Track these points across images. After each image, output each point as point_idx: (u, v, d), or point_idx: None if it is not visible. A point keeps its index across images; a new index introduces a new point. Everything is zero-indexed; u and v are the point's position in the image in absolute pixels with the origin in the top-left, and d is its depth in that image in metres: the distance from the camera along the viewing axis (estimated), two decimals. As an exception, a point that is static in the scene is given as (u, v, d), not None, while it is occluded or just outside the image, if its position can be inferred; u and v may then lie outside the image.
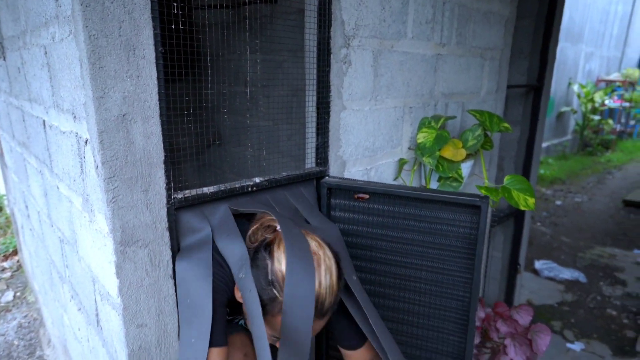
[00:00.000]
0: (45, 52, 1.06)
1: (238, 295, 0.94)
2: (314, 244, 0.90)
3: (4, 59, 1.68)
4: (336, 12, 1.20)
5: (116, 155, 0.84)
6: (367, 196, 1.20)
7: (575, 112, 8.87)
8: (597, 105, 8.86)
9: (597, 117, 9.05)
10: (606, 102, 9.18)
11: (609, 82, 9.58)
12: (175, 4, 0.91)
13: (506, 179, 1.45)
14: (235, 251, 0.95)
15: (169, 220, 0.94)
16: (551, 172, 7.18)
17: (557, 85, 8.04)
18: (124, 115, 0.83)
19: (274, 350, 0.87)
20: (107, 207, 0.85)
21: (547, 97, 2.61)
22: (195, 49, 1.12)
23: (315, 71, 1.21)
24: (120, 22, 0.80)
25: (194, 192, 0.98)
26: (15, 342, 2.18)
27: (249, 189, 1.08)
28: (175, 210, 0.95)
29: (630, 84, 9.76)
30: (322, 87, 1.21)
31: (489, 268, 2.88)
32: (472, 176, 1.92)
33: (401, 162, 1.54)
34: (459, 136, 1.62)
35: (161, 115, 0.89)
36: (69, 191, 1.13)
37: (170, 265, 0.96)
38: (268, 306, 0.86)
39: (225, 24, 1.72)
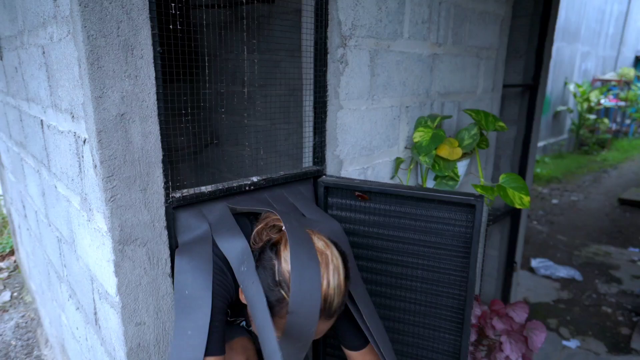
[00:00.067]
0: (43, 52, 1.06)
1: (242, 297, 0.92)
2: (321, 243, 0.89)
3: (1, 59, 1.68)
4: (333, 12, 1.21)
5: (115, 155, 0.84)
6: (367, 197, 1.21)
7: (571, 111, 8.92)
8: (593, 104, 8.91)
9: (593, 116, 9.10)
10: (602, 101, 9.23)
11: (605, 82, 9.63)
12: (173, 4, 0.92)
13: (501, 178, 1.46)
14: (235, 245, 0.93)
15: (167, 219, 0.95)
16: (548, 170, 7.22)
17: (553, 84, 8.08)
18: (122, 114, 0.84)
19: None
20: (106, 206, 0.85)
21: (543, 96, 2.63)
22: (193, 49, 1.13)
23: (312, 71, 1.22)
24: (119, 22, 0.81)
25: (191, 191, 0.98)
26: (13, 342, 2.18)
27: (247, 188, 1.08)
28: (173, 209, 0.96)
29: (626, 83, 9.81)
30: (319, 86, 1.22)
31: (486, 266, 2.89)
32: (469, 175, 1.93)
33: (398, 161, 1.55)
34: (455, 135, 1.63)
35: (159, 114, 0.90)
36: (67, 190, 1.14)
37: (169, 264, 0.97)
38: (275, 307, 0.84)
39: (223, 24, 1.72)
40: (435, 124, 1.53)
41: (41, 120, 1.26)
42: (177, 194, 0.96)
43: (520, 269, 3.56)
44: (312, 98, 1.23)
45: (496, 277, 2.91)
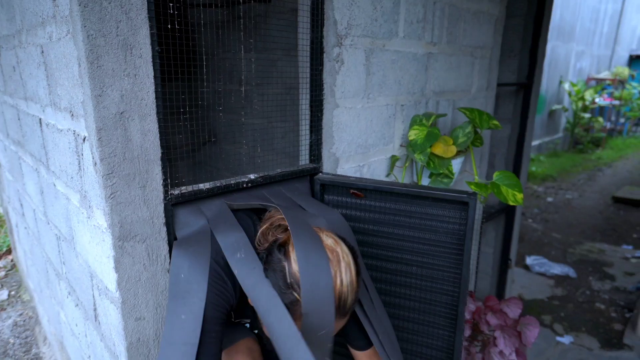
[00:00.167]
0: (42, 51, 1.07)
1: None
2: (330, 240, 0.86)
3: (-2, 58, 1.69)
4: (329, 12, 1.22)
5: (114, 152, 0.86)
6: (362, 194, 1.23)
7: (566, 110, 8.98)
8: (587, 103, 8.97)
9: (587, 115, 9.16)
10: (596, 100, 9.29)
11: (600, 81, 9.69)
12: (171, 4, 0.93)
13: (495, 175, 1.49)
14: (231, 235, 0.92)
15: (166, 216, 0.96)
16: (543, 169, 7.27)
17: (548, 83, 8.13)
18: (121, 113, 0.85)
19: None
20: (106, 203, 0.87)
21: (537, 95, 2.66)
22: (192, 48, 1.14)
23: (308, 70, 1.24)
24: (118, 22, 0.82)
25: (190, 188, 1.00)
26: (11, 341, 2.19)
27: (245, 185, 1.10)
28: (172, 206, 0.97)
29: (620, 82, 9.89)
30: (316, 85, 1.24)
31: (481, 263, 2.92)
32: (463, 172, 1.95)
33: (393, 159, 1.57)
34: (450, 133, 1.65)
35: (158, 113, 0.91)
36: (66, 188, 1.15)
37: (168, 260, 0.99)
38: (289, 310, 0.81)
39: (220, 23, 1.73)
40: (430, 122, 1.56)
41: (40, 119, 1.27)
42: (176, 191, 0.97)
43: (515, 267, 3.60)
44: (308, 96, 1.25)
45: (491, 274, 2.94)
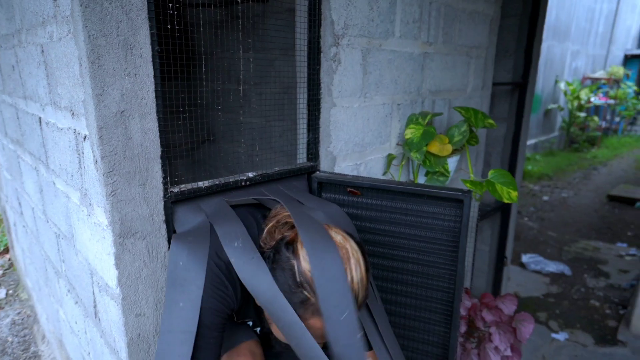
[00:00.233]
0: (42, 51, 1.08)
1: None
2: (339, 237, 0.85)
3: (-3, 57, 1.69)
4: (326, 12, 1.24)
5: (115, 151, 0.87)
6: (359, 192, 1.24)
7: (562, 109, 9.03)
8: (583, 102, 9.03)
9: (583, 114, 9.22)
10: (592, 99, 9.35)
11: (595, 80, 9.75)
12: (170, 5, 0.94)
13: (490, 173, 1.51)
14: (231, 225, 0.92)
15: (165, 213, 0.98)
16: (539, 168, 7.32)
17: (544, 82, 8.17)
18: (122, 111, 0.87)
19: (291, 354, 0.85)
20: (107, 201, 0.88)
21: (532, 94, 2.68)
22: (191, 48, 1.16)
23: (306, 69, 1.25)
24: (119, 22, 0.83)
25: (189, 186, 1.01)
26: (10, 339, 2.19)
27: (243, 184, 1.11)
28: (171, 203, 0.99)
29: (615, 82, 9.95)
30: (313, 84, 1.25)
31: (477, 261, 2.95)
32: (459, 171, 1.97)
33: (390, 158, 1.59)
34: (446, 132, 1.67)
35: (158, 112, 0.93)
36: (66, 186, 1.16)
37: (167, 257, 1.00)
38: (299, 310, 0.80)
39: (218, 23, 1.75)
40: (426, 121, 1.57)
41: (39, 118, 1.28)
42: (175, 189, 0.99)
43: (511, 265, 3.63)
44: (306, 96, 1.27)
45: (487, 271, 2.97)
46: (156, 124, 0.93)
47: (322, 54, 1.25)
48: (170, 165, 0.99)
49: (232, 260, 0.85)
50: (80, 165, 0.99)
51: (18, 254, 2.58)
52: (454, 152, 1.64)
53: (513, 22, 2.53)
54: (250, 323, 1.14)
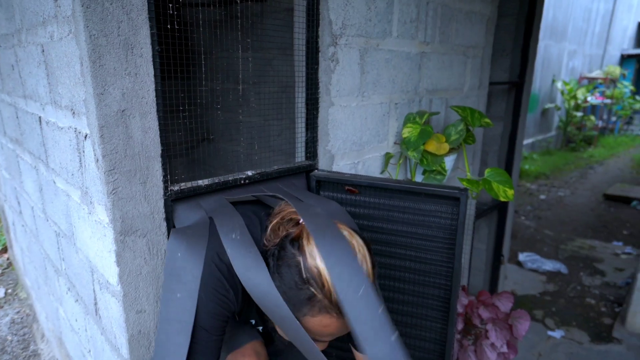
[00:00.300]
0: (43, 50, 1.09)
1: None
2: (345, 232, 0.84)
3: (-4, 56, 1.70)
4: (324, 12, 1.25)
5: (116, 149, 0.88)
6: (356, 191, 1.26)
7: (559, 108, 9.07)
8: (579, 102, 9.07)
9: (579, 114, 9.27)
10: (588, 98, 9.40)
11: (591, 79, 9.80)
12: (170, 5, 0.95)
13: (487, 172, 1.52)
14: (229, 218, 0.92)
15: (166, 211, 0.99)
16: (536, 167, 7.35)
17: (541, 82, 8.21)
18: (123, 110, 0.88)
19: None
20: (108, 199, 0.89)
21: (528, 93, 2.70)
22: (191, 48, 1.17)
23: (304, 69, 1.26)
24: (119, 22, 0.84)
25: (189, 184, 1.03)
26: (9, 338, 2.20)
27: (242, 182, 1.13)
28: (172, 201, 1.00)
29: (612, 81, 10.00)
30: (311, 84, 1.26)
31: (474, 260, 2.97)
32: (456, 169, 1.99)
33: (387, 156, 1.60)
34: (443, 131, 1.69)
35: (158, 111, 0.94)
36: (67, 185, 1.17)
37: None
38: (305, 307, 0.78)
39: (216, 23, 1.76)
40: (424, 120, 1.59)
41: (39, 117, 1.29)
42: (175, 187, 1.00)
43: (508, 263, 3.65)
44: (304, 95, 1.28)
45: (484, 270, 2.99)
46: (156, 123, 0.94)
47: (320, 54, 1.26)
48: (169, 165, 1.00)
49: (228, 252, 0.85)
50: (81, 163, 1.00)
51: (17, 253, 2.58)
52: (451, 150, 1.66)
53: (510, 21, 2.55)
54: (253, 321, 1.15)
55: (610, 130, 11.14)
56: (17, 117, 1.61)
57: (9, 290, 2.64)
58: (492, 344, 1.66)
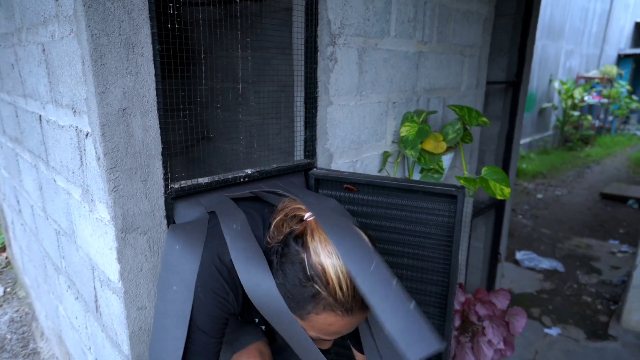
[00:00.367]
0: (43, 50, 1.10)
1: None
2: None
3: (-5, 56, 1.70)
4: (322, 12, 1.26)
5: (117, 147, 0.89)
6: (355, 189, 1.27)
7: (556, 108, 9.11)
8: (576, 101, 9.11)
9: (576, 113, 9.31)
10: (585, 98, 9.44)
11: (588, 79, 9.84)
12: (171, 5, 0.96)
13: (484, 170, 1.54)
14: (232, 210, 0.92)
15: (166, 209, 1.00)
16: (533, 166, 7.38)
17: (538, 81, 8.24)
18: (124, 109, 0.89)
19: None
20: (109, 196, 0.90)
21: (525, 93, 2.72)
22: (190, 47, 1.18)
23: (303, 68, 1.27)
24: (120, 21, 0.85)
25: (189, 182, 1.04)
26: (8, 336, 2.20)
27: (242, 180, 1.14)
28: (172, 199, 1.01)
29: (609, 81, 10.05)
30: (310, 83, 1.28)
31: (471, 258, 2.98)
32: (453, 168, 2.01)
33: (385, 155, 1.62)
34: (440, 130, 1.70)
35: (159, 109, 0.95)
36: (67, 183, 1.18)
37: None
38: (309, 304, 0.77)
39: (215, 22, 1.76)
40: (421, 119, 1.60)
41: (39, 116, 1.30)
42: (176, 185, 1.01)
43: (506, 262, 3.67)
44: (303, 94, 1.29)
45: (481, 268, 3.01)
46: (157, 122, 0.95)
47: (319, 53, 1.27)
48: (169, 163, 1.01)
49: (227, 239, 0.85)
50: (81, 162, 1.01)
51: (16, 252, 2.58)
52: (448, 149, 1.67)
53: (507, 21, 2.57)
54: (257, 320, 1.15)
55: (607, 130, 11.18)
56: (16, 116, 1.62)
57: (8, 289, 2.64)
58: (489, 341, 1.68)
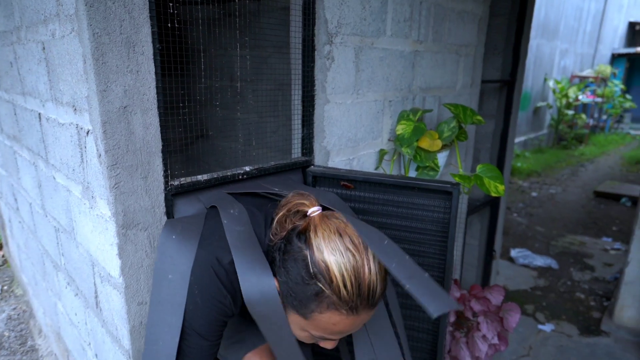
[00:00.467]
0: (44, 48, 1.11)
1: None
2: None
3: (-7, 54, 1.71)
4: (320, 11, 1.28)
5: (118, 145, 0.91)
6: (352, 186, 1.29)
7: (550, 107, 9.17)
8: (571, 100, 9.18)
9: (571, 112, 9.38)
10: (580, 97, 9.52)
11: (583, 78, 9.92)
12: (171, 4, 0.98)
13: (478, 168, 1.56)
14: (231, 201, 0.93)
15: (166, 205, 1.01)
16: (528, 165, 7.43)
17: (533, 80, 8.29)
18: (125, 107, 0.90)
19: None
20: (110, 193, 0.91)
21: (520, 92, 2.75)
22: (190, 46, 1.19)
23: (300, 67, 1.29)
24: (121, 20, 0.86)
25: (189, 179, 1.05)
26: (6, 334, 2.21)
27: (240, 177, 1.15)
28: (172, 196, 1.02)
29: (603, 80, 10.13)
30: (307, 81, 1.29)
31: (466, 255, 3.02)
32: (449, 166, 2.03)
33: (381, 153, 1.64)
34: (436, 128, 1.72)
35: (159, 107, 0.96)
36: (67, 180, 1.19)
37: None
38: (312, 303, 0.75)
39: (212, 21, 1.78)
40: (417, 117, 1.62)
41: (39, 114, 1.30)
42: (176, 182, 1.02)
43: (500, 259, 3.71)
44: (300, 92, 1.31)
45: (476, 265, 3.04)
46: (157, 119, 0.96)
47: (316, 52, 1.29)
48: (169, 160, 1.03)
49: (224, 222, 0.86)
50: (82, 159, 1.03)
51: (13, 250, 2.58)
52: (443, 147, 1.69)
53: (502, 21, 2.59)
54: None
55: (601, 129, 11.27)
56: (14, 114, 1.62)
57: (5, 287, 2.64)
58: (484, 336, 1.70)
